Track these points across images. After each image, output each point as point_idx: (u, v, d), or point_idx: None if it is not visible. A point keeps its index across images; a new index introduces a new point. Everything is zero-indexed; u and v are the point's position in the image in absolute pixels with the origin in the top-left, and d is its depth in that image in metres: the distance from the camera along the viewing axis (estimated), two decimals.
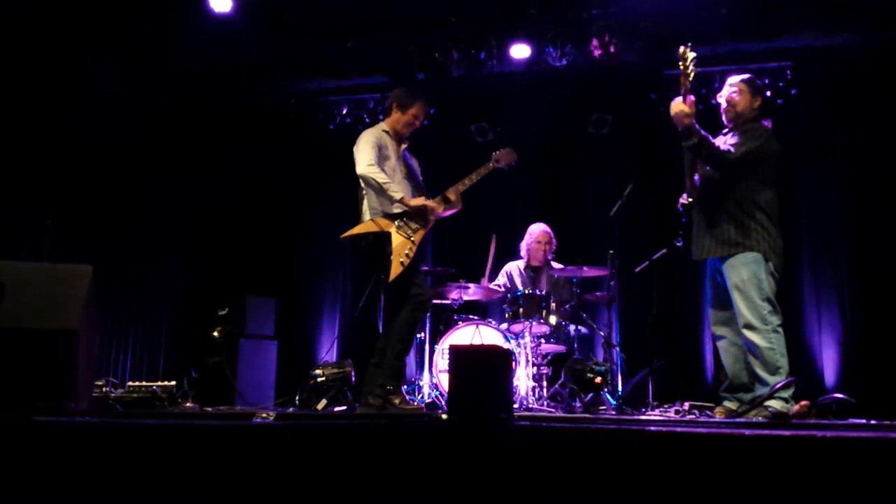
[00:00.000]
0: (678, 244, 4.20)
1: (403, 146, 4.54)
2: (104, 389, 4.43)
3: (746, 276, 3.92)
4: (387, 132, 4.44)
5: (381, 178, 4.18)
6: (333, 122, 7.15)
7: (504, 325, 5.57)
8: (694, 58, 4.03)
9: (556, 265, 6.04)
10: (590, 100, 6.66)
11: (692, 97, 4.04)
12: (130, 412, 3.98)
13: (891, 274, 5.74)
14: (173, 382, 4.64)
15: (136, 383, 4.53)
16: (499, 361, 2.73)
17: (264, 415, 3.02)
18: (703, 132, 4.02)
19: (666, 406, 4.39)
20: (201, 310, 6.28)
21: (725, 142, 4.13)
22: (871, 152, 5.97)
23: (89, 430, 2.74)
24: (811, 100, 6.20)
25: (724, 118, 4.23)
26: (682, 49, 4.05)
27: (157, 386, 4.49)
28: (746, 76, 4.29)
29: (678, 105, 4.02)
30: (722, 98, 4.24)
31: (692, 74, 4.03)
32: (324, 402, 5.13)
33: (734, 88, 4.18)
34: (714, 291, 4.19)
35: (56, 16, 5.40)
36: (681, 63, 4.05)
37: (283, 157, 7.26)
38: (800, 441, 2.30)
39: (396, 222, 4.26)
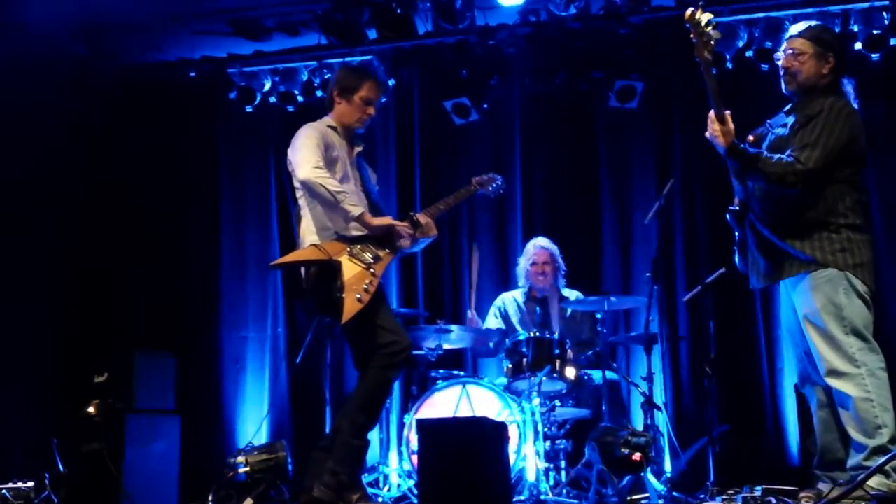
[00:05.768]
0: (736, 262, 4.23)
1: (357, 149, 4.59)
2: None
3: (820, 303, 3.92)
4: (333, 128, 4.49)
5: (332, 185, 4.22)
6: (252, 102, 7.16)
7: (502, 382, 5.57)
8: (710, 20, 3.90)
9: (569, 294, 6.06)
10: (611, 62, 6.69)
11: (727, 111, 4.02)
12: None
13: None
14: (31, 483, 4.60)
15: None
16: (489, 440, 2.73)
17: None
18: (751, 151, 4.03)
19: (732, 491, 4.40)
20: (70, 377, 6.22)
21: (788, 127, 4.11)
22: None
23: None
24: None
25: (784, 88, 4.22)
26: (688, 13, 3.91)
27: (8, 489, 4.45)
28: (809, 27, 4.21)
29: (714, 125, 4.03)
30: (779, 60, 4.20)
31: (713, 43, 3.93)
32: (249, 502, 5.13)
33: (793, 50, 4.13)
34: (790, 334, 4.22)
35: None
36: (692, 34, 3.94)
37: (181, 155, 7.26)
38: None
39: (350, 248, 4.26)
